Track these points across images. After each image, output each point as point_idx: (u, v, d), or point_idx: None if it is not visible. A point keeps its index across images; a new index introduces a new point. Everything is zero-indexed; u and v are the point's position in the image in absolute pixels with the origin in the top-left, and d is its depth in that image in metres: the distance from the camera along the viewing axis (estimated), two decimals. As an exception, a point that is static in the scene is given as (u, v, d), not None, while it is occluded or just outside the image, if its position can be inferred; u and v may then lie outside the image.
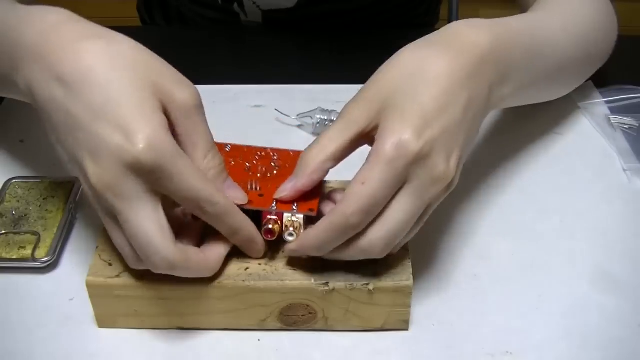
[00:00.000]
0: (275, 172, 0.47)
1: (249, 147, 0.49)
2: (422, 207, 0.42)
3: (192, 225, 0.44)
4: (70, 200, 0.54)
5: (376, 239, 0.41)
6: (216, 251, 0.43)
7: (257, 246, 0.44)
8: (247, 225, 0.43)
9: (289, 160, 0.49)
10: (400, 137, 0.40)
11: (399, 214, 0.41)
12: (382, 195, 0.40)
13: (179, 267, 0.41)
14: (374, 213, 0.41)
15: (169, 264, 0.40)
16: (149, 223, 0.39)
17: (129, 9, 1.07)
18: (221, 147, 0.49)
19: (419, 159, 0.40)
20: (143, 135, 0.38)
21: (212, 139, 0.44)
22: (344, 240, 0.42)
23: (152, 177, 0.39)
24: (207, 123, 0.43)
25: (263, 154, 0.49)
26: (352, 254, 0.42)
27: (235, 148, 0.49)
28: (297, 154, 0.49)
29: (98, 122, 0.39)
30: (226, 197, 0.42)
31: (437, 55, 0.44)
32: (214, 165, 0.43)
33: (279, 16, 0.81)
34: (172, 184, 0.39)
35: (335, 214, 0.41)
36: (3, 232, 0.51)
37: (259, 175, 0.47)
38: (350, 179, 0.51)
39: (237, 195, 0.43)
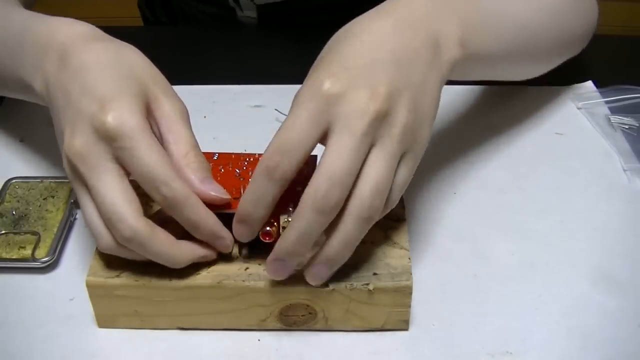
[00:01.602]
0: None
1: (236, 155, 0.50)
2: (358, 146, 0.40)
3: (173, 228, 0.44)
4: (70, 200, 0.54)
5: (318, 185, 0.39)
6: (189, 247, 0.43)
7: (224, 242, 0.44)
8: (208, 219, 0.43)
9: None
10: (312, 81, 0.41)
11: (332, 154, 0.40)
12: (301, 136, 0.40)
13: (144, 239, 0.41)
14: (296, 158, 0.40)
15: (134, 232, 0.41)
16: (115, 192, 0.41)
17: (129, 8, 1.07)
18: (209, 155, 0.49)
19: (335, 98, 0.40)
20: (115, 107, 0.42)
21: (197, 144, 0.45)
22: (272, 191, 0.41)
23: (115, 146, 0.41)
24: (192, 132, 0.45)
25: (251, 159, 0.49)
26: (306, 214, 0.40)
27: (223, 156, 0.49)
28: None
29: (84, 97, 0.42)
30: (186, 186, 0.42)
31: (366, 16, 0.45)
32: (195, 161, 0.43)
33: (274, 10, 0.81)
34: (133, 157, 0.41)
35: (258, 165, 0.41)
36: (3, 232, 0.51)
37: (250, 180, 0.47)
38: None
39: (218, 191, 0.43)
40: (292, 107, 0.41)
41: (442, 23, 0.46)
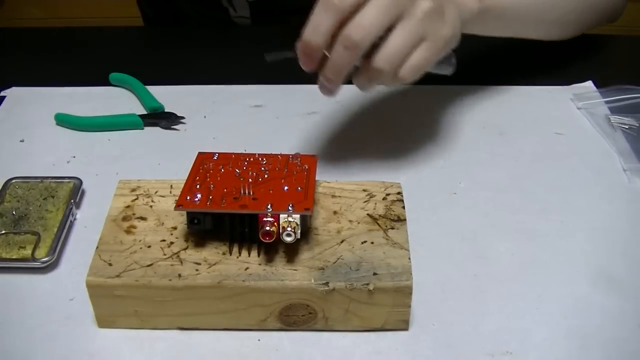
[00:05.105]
0: (266, 175, 0.48)
1: (236, 154, 0.50)
2: (385, 10, 0.48)
3: None
4: (70, 200, 0.54)
5: (349, 29, 0.48)
6: None
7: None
8: None
9: (278, 163, 0.49)
10: None
11: (365, 10, 0.48)
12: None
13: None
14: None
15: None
16: None
17: (129, 8, 1.07)
18: (209, 156, 0.49)
19: None
20: None
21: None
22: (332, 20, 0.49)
23: None
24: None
25: (252, 159, 0.49)
26: (338, 49, 0.49)
27: (223, 156, 0.50)
28: (286, 157, 0.50)
29: None
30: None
31: None
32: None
33: (266, 7, 0.81)
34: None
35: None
36: (3, 232, 0.51)
37: (250, 180, 0.47)
38: (349, 180, 0.52)
39: None
40: None
41: None
